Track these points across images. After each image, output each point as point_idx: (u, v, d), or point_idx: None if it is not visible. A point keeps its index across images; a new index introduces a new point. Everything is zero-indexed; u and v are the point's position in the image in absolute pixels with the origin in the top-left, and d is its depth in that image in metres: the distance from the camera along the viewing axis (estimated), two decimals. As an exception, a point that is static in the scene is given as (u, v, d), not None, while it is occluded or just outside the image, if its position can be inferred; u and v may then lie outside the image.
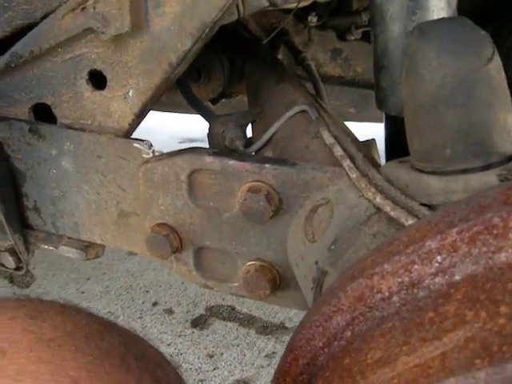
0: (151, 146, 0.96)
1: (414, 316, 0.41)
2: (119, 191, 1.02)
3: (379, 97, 0.96)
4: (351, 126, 1.06)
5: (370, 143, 1.07)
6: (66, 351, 0.49)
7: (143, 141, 0.96)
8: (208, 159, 0.89)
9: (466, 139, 0.64)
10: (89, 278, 2.69)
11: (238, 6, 0.94)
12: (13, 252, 1.15)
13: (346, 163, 0.79)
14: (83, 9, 0.90)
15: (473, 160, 0.65)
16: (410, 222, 0.66)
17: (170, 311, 2.43)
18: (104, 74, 0.96)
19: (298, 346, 0.51)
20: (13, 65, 1.00)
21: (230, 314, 2.39)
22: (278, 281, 0.92)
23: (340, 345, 0.47)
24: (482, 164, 0.65)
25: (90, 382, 0.47)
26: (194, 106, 1.33)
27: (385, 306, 0.44)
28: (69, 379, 0.46)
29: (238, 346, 2.21)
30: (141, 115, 0.98)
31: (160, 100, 1.06)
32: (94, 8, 0.88)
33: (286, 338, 2.21)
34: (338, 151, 0.83)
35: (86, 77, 0.98)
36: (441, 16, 0.87)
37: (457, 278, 0.40)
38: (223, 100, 1.59)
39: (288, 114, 1.01)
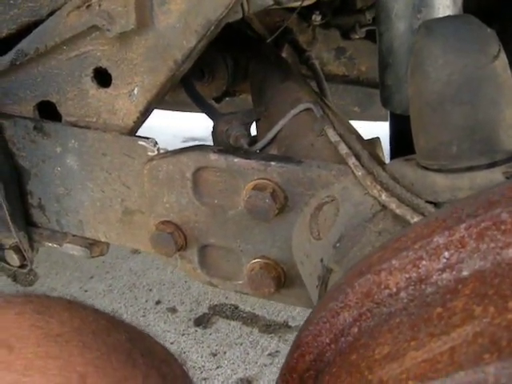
0: (156, 143, 0.96)
1: (422, 311, 0.41)
2: (124, 189, 1.02)
3: (384, 95, 0.96)
4: (355, 124, 1.06)
5: (375, 141, 1.06)
6: (74, 347, 0.49)
7: (148, 138, 0.97)
8: (213, 157, 0.89)
9: (471, 137, 0.64)
10: (92, 277, 2.69)
11: (242, 5, 0.94)
12: (17, 250, 1.15)
13: (352, 161, 0.79)
14: (88, 6, 0.90)
15: (479, 157, 0.65)
16: (416, 219, 0.66)
17: (173, 310, 2.43)
18: (109, 71, 0.96)
19: (304, 342, 0.51)
20: (18, 62, 1.00)
21: (233, 313, 2.39)
22: (282, 278, 0.92)
23: (347, 341, 0.47)
24: (487, 161, 0.65)
25: (97, 377, 0.47)
26: (199, 104, 1.34)
27: (392, 301, 0.44)
28: (76, 374, 0.46)
29: (241, 344, 2.21)
30: (146, 113, 0.98)
31: (164, 98, 1.06)
32: (100, 5, 0.88)
33: (290, 336, 2.21)
34: (343, 149, 0.83)
35: (91, 74, 0.98)
36: (446, 14, 0.87)
37: (465, 273, 0.40)
38: (227, 99, 1.59)
39: (293, 112, 1.01)
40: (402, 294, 0.44)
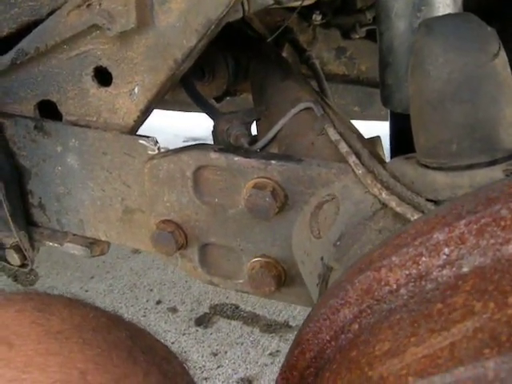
0: (157, 142, 0.96)
1: (422, 308, 0.41)
2: (124, 188, 1.02)
3: (384, 94, 0.96)
4: (356, 124, 1.06)
5: (375, 140, 1.07)
6: (74, 344, 0.49)
7: (149, 137, 0.97)
8: (214, 155, 0.89)
9: (472, 135, 0.64)
10: (93, 277, 2.69)
11: (242, 4, 0.94)
12: (18, 249, 1.15)
13: (352, 159, 0.79)
14: (89, 5, 0.90)
15: (479, 156, 0.65)
16: (416, 217, 0.66)
17: (173, 309, 2.43)
18: (109, 70, 0.96)
19: (305, 340, 0.51)
20: (18, 61, 1.01)
21: (233, 313, 2.39)
22: (283, 277, 0.92)
23: (347, 338, 0.47)
24: (487, 160, 0.65)
25: (98, 374, 0.47)
26: (199, 103, 1.34)
27: (392, 298, 0.44)
28: (76, 371, 0.46)
29: (241, 344, 2.21)
30: (146, 112, 0.98)
31: (164, 98, 1.06)
32: (100, 5, 0.88)
33: (290, 336, 2.21)
34: (343, 147, 0.83)
35: (92, 73, 0.98)
36: (446, 12, 0.87)
37: (465, 269, 0.40)
38: (228, 98, 1.59)
39: (293, 111, 1.01)
40: (402, 291, 0.44)
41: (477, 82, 0.63)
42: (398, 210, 0.68)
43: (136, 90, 0.96)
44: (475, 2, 1.02)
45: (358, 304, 0.47)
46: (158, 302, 2.49)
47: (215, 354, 2.16)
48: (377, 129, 1.44)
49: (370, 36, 1.58)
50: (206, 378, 2.05)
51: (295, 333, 0.53)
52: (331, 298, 0.48)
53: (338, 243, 0.75)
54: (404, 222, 0.68)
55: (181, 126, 4.42)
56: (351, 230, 0.74)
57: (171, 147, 1.00)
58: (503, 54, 0.66)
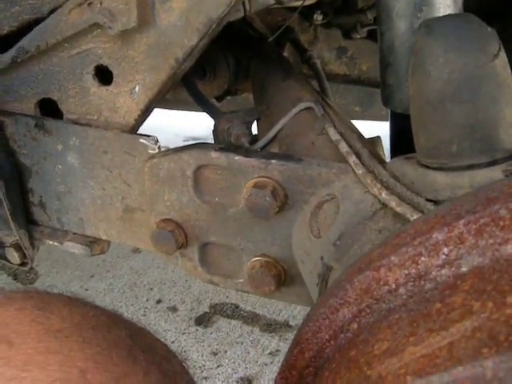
0: (157, 141, 0.96)
1: (421, 307, 0.41)
2: (125, 187, 1.02)
3: (385, 94, 0.96)
4: (356, 124, 1.06)
5: (375, 140, 1.07)
6: (74, 342, 0.49)
7: (149, 136, 0.97)
8: (214, 155, 0.89)
9: (472, 135, 0.64)
10: (93, 276, 2.69)
11: (244, 3, 0.94)
12: (18, 247, 1.15)
13: (352, 159, 0.79)
14: (90, 4, 0.90)
15: (479, 156, 0.65)
16: (416, 217, 0.66)
17: (173, 309, 2.44)
18: (110, 69, 0.97)
19: (304, 339, 0.51)
20: (19, 60, 1.01)
21: (233, 312, 2.39)
22: (283, 277, 0.92)
23: (346, 337, 0.48)
24: (487, 160, 0.65)
25: (98, 372, 0.47)
26: (200, 103, 1.34)
27: (392, 298, 0.44)
28: (76, 370, 0.46)
29: (241, 343, 2.21)
30: (147, 111, 0.98)
31: (165, 97, 1.06)
32: (101, 3, 0.88)
33: (290, 335, 2.21)
34: (343, 147, 0.83)
35: (93, 72, 0.98)
36: (447, 13, 0.87)
37: (463, 269, 0.41)
38: (228, 97, 1.59)
39: (294, 111, 1.01)
40: (401, 290, 0.44)
41: (477, 82, 0.63)
42: (398, 209, 0.69)
43: (137, 88, 0.96)
44: (476, 2, 1.02)
45: (357, 303, 0.47)
46: (158, 301, 2.49)
47: (215, 354, 2.16)
48: (377, 129, 1.44)
49: (371, 36, 1.58)
50: (205, 378, 2.05)
51: (295, 332, 0.53)
52: (330, 298, 0.49)
53: (338, 243, 0.75)
54: (404, 222, 0.68)
55: (181, 126, 4.43)
56: (351, 230, 0.74)
57: (172, 146, 1.00)
58: (503, 55, 0.66)
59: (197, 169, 0.91)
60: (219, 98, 1.55)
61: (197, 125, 3.60)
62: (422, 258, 0.42)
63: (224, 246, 0.97)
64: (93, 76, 0.99)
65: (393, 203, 0.69)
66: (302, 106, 1.01)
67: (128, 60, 0.94)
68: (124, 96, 0.97)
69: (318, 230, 0.81)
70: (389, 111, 1.11)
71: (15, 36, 1.00)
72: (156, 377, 0.52)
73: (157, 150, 0.96)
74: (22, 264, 1.19)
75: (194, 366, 2.08)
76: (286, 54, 1.59)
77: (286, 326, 2.29)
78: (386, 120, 1.28)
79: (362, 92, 1.84)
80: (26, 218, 1.15)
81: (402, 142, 0.91)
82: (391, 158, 1.06)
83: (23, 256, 1.17)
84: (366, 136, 1.00)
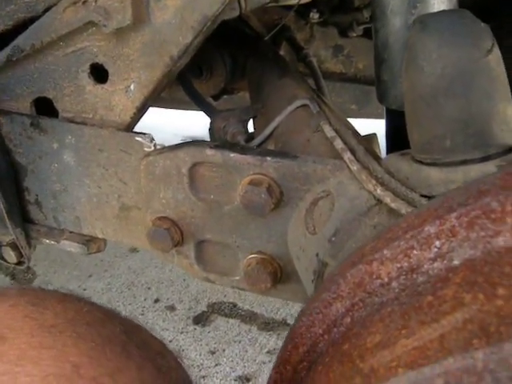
0: (153, 139, 0.96)
1: (413, 300, 0.41)
2: (121, 185, 1.02)
3: (380, 90, 0.96)
4: (353, 122, 1.06)
5: (371, 137, 1.07)
6: (68, 337, 0.49)
7: (145, 134, 0.97)
8: (209, 152, 0.89)
9: (465, 130, 0.64)
10: (91, 275, 2.69)
11: (239, 2, 0.94)
12: (14, 246, 1.15)
13: (347, 156, 0.80)
14: (85, 2, 0.90)
15: (472, 151, 0.65)
16: (410, 212, 0.66)
17: (171, 308, 2.44)
18: (105, 67, 0.97)
19: (298, 334, 0.51)
20: (14, 58, 1.01)
21: (231, 311, 2.39)
22: (279, 274, 0.92)
23: (340, 331, 0.48)
24: (481, 155, 0.65)
25: (91, 367, 0.47)
26: (196, 101, 1.34)
27: (384, 291, 0.44)
28: (70, 365, 0.46)
29: (239, 342, 2.22)
30: (142, 109, 0.98)
31: (162, 96, 1.06)
32: (96, 1, 0.89)
33: (288, 334, 2.21)
34: (338, 144, 0.83)
35: (88, 70, 0.98)
36: (441, 9, 0.87)
37: (455, 262, 0.41)
38: (225, 96, 1.59)
39: (289, 109, 1.01)
40: (394, 284, 0.44)
41: (470, 77, 0.63)
42: (393, 205, 0.69)
43: (132, 86, 0.96)
44: (471, 0, 1.02)
45: (350, 297, 0.47)
46: (156, 301, 2.50)
47: (213, 352, 2.17)
48: (374, 127, 1.44)
49: (367, 34, 1.58)
50: (203, 376, 2.05)
51: (291, 329, 0.53)
52: (324, 292, 0.49)
53: (333, 239, 0.75)
54: (399, 218, 0.68)
55: (179, 125, 4.42)
56: (346, 226, 0.74)
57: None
58: (497, 51, 0.66)
59: (192, 166, 0.91)
60: (216, 97, 1.55)
61: (195, 124, 3.60)
62: (414, 252, 0.43)
63: (220, 244, 0.97)
64: (88, 74, 0.99)
65: (387, 199, 0.70)
66: (297, 103, 1.01)
67: (123, 58, 0.94)
68: (119, 94, 0.97)
69: (314, 226, 0.81)
70: (384, 109, 1.11)
71: (10, 35, 1.00)
72: (150, 372, 0.52)
73: (152, 148, 0.96)
74: (19, 263, 1.19)
75: (192, 365, 2.08)
76: (282, 52, 1.59)
77: (284, 324, 2.29)
78: (383, 118, 1.28)
79: (358, 90, 1.84)
80: (22, 216, 1.15)
81: (398, 139, 0.91)
82: (387, 154, 1.06)
83: (20, 255, 1.17)
84: (363, 134, 1.01)
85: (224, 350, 2.18)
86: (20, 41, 0.99)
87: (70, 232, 1.14)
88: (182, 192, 0.94)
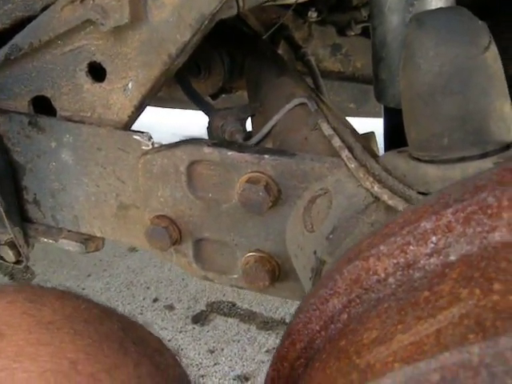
0: (151, 137, 0.96)
1: (410, 296, 0.41)
2: (119, 183, 1.02)
3: (378, 89, 0.96)
4: (351, 121, 1.06)
5: (369, 136, 1.07)
6: (65, 334, 0.49)
7: (143, 133, 0.97)
8: (207, 150, 0.89)
9: (463, 127, 0.65)
10: (89, 275, 2.69)
11: (237, 0, 0.94)
12: (12, 245, 1.15)
13: (345, 153, 0.80)
14: (82, 0, 0.90)
15: (470, 148, 0.65)
16: (407, 209, 0.66)
17: (170, 307, 2.44)
18: (103, 66, 0.96)
19: (295, 330, 0.51)
20: (12, 57, 1.01)
21: (230, 310, 2.40)
22: (277, 272, 0.93)
23: (337, 327, 0.48)
24: (479, 152, 0.65)
25: (88, 363, 0.47)
26: (194, 100, 1.34)
27: (381, 287, 0.44)
28: (67, 361, 0.46)
29: (238, 341, 2.22)
30: (140, 107, 0.98)
31: (161, 96, 1.06)
32: (93, 0, 0.89)
33: (287, 333, 2.21)
34: (336, 142, 0.83)
35: (86, 69, 0.98)
36: (438, 7, 0.87)
37: (452, 258, 0.41)
38: (223, 96, 1.59)
39: (287, 107, 1.01)
40: (391, 280, 0.44)
41: (467, 74, 0.64)
42: (390, 203, 0.69)
43: (130, 85, 0.96)
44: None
45: (346, 294, 0.47)
46: (155, 300, 2.50)
47: (212, 352, 2.17)
48: (372, 126, 1.44)
49: (365, 33, 1.59)
50: (202, 376, 2.05)
51: (290, 327, 0.53)
52: (321, 289, 0.49)
53: (331, 237, 0.75)
54: (396, 215, 0.68)
55: (178, 125, 4.42)
56: (344, 224, 0.74)
57: (166, 144, 1.00)
58: (494, 48, 0.66)
59: (190, 164, 0.91)
60: (214, 96, 1.55)
61: (193, 123, 3.60)
62: (411, 247, 0.43)
63: (218, 242, 0.97)
64: (86, 73, 0.99)
65: (385, 196, 0.70)
66: (295, 101, 1.01)
67: (121, 56, 0.94)
68: (117, 93, 0.97)
69: (312, 224, 0.81)
70: (382, 107, 1.11)
71: (8, 33, 1.00)
72: (147, 369, 0.52)
73: (150, 147, 0.96)
74: (17, 262, 1.19)
75: (191, 364, 2.09)
76: (280, 51, 1.59)
77: (283, 323, 2.29)
78: (381, 117, 1.28)
79: (356, 89, 1.84)
80: (20, 215, 1.15)
81: (396, 137, 0.91)
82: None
83: (18, 254, 1.17)
84: (361, 132, 1.01)
85: (223, 350, 2.18)
86: (18, 39, 0.99)
87: (69, 231, 1.14)
88: (179, 190, 0.94)
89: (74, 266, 2.74)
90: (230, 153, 0.88)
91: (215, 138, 1.13)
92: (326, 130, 0.87)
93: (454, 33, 0.65)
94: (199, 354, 2.15)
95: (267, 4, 1.00)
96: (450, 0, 0.88)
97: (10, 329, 0.48)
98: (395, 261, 0.43)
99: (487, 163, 0.64)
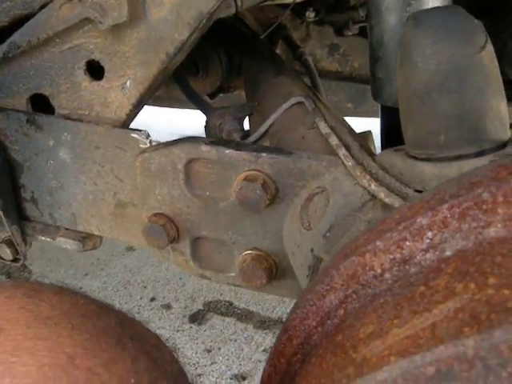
0: (148, 135, 0.97)
1: (406, 291, 0.41)
2: (116, 181, 1.02)
3: (375, 88, 0.97)
4: (348, 120, 1.06)
5: (366, 135, 1.07)
6: (63, 329, 0.49)
7: (141, 131, 0.97)
8: (205, 148, 0.90)
9: (459, 126, 0.65)
10: (87, 274, 2.69)
11: (235, 0, 0.94)
12: (10, 243, 1.15)
13: (342, 152, 0.80)
14: (81, -1, 0.90)
15: (466, 146, 0.65)
16: (404, 207, 0.66)
17: (167, 306, 2.44)
18: (102, 64, 0.97)
19: (292, 326, 0.51)
20: (11, 55, 1.01)
21: (227, 309, 2.40)
22: (274, 270, 0.93)
23: (333, 323, 0.48)
24: (475, 150, 0.66)
25: (86, 358, 0.47)
26: (192, 99, 1.34)
27: (377, 283, 0.45)
28: (65, 355, 0.46)
29: (235, 340, 2.22)
30: (138, 106, 0.98)
31: (159, 95, 1.06)
32: (92, -2, 0.89)
33: (284, 333, 2.21)
34: (333, 140, 0.83)
35: (84, 67, 0.98)
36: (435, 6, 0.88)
37: (447, 253, 0.41)
38: (221, 95, 1.60)
39: (285, 106, 1.01)
40: (387, 275, 0.44)
41: (464, 72, 0.64)
42: (387, 200, 0.69)
43: (128, 83, 0.96)
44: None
45: (343, 289, 0.47)
46: (152, 299, 2.50)
47: (209, 351, 2.17)
48: (370, 126, 1.45)
49: (363, 33, 1.59)
50: (199, 375, 2.05)
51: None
52: (317, 284, 0.49)
53: (328, 234, 0.75)
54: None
55: (176, 124, 4.42)
56: (341, 222, 0.75)
57: (163, 143, 1.00)
58: (490, 47, 0.66)
59: (187, 162, 0.91)
60: (212, 95, 1.56)
61: (191, 123, 3.60)
62: (407, 243, 0.43)
63: (215, 240, 0.97)
64: (84, 71, 0.99)
65: (382, 194, 0.70)
66: (293, 100, 1.01)
67: (119, 55, 0.95)
68: (115, 91, 0.97)
69: (309, 222, 0.82)
70: (379, 106, 1.12)
71: (6, 31, 1.00)
72: (145, 364, 0.52)
73: (148, 145, 0.96)
74: (15, 260, 1.19)
75: (188, 363, 2.09)
76: (278, 51, 1.60)
77: (280, 323, 2.29)
78: (378, 116, 1.28)
79: (353, 89, 1.85)
80: (18, 213, 1.15)
81: (393, 136, 0.91)
82: (382, 152, 1.06)
83: (15, 252, 1.17)
84: (358, 132, 1.01)
85: (220, 349, 2.18)
86: (16, 37, 0.99)
87: (66, 229, 1.14)
88: (177, 188, 0.94)
89: (71, 264, 2.74)
90: (227, 151, 0.88)
91: (213, 136, 1.13)
92: (323, 128, 0.88)
93: (451, 32, 0.65)
94: (196, 353, 2.16)
95: (265, 3, 1.00)
96: (447, 0, 0.89)
97: (9, 323, 0.48)
98: (391, 256, 0.44)
99: (483, 161, 0.64)
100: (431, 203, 0.42)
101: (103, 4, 0.87)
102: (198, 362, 2.11)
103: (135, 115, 1.01)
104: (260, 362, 2.10)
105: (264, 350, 2.15)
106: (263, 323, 2.30)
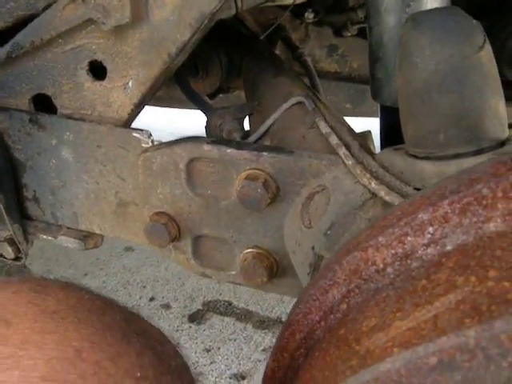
0: (150, 135, 0.97)
1: (408, 285, 0.42)
2: (118, 181, 1.03)
3: (374, 88, 0.98)
4: (347, 121, 1.07)
5: (366, 134, 1.08)
6: (70, 323, 0.50)
7: (142, 130, 0.98)
8: (206, 147, 0.90)
9: (458, 125, 0.66)
10: (86, 274, 2.70)
11: (236, 1, 0.95)
12: (12, 242, 1.16)
13: (342, 151, 0.81)
14: (84, 0, 0.91)
15: (465, 145, 0.66)
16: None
17: (167, 306, 2.44)
18: (104, 64, 0.97)
19: (295, 321, 0.52)
20: (14, 55, 1.01)
21: (226, 309, 2.40)
22: (275, 268, 0.93)
23: (336, 317, 0.49)
24: (474, 149, 0.66)
25: (93, 352, 0.48)
26: (192, 99, 1.35)
27: (379, 277, 0.46)
28: (72, 349, 0.47)
29: (234, 340, 2.23)
30: (140, 105, 0.99)
31: (160, 95, 1.07)
32: (95, -1, 0.90)
33: (283, 332, 2.22)
34: (333, 140, 0.84)
35: (87, 67, 0.99)
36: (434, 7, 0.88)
37: (448, 247, 0.42)
38: (221, 95, 1.60)
39: (285, 106, 1.02)
40: (389, 270, 0.45)
41: (463, 72, 0.65)
42: (387, 198, 0.70)
43: (130, 83, 0.97)
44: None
45: (346, 284, 0.48)
46: (152, 299, 2.50)
47: (208, 350, 2.17)
48: (369, 126, 1.45)
49: (362, 34, 1.60)
50: (199, 374, 2.05)
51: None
52: (320, 279, 0.50)
53: (329, 232, 0.76)
54: (393, 210, 0.69)
55: (177, 124, 4.43)
56: (341, 220, 0.75)
57: (165, 143, 1.01)
58: (488, 47, 0.67)
59: (189, 162, 0.92)
60: (212, 96, 1.56)
61: (192, 123, 3.61)
62: (409, 238, 0.44)
63: (217, 239, 0.98)
64: (87, 71, 1.00)
65: (382, 192, 0.71)
66: (293, 100, 1.02)
67: (122, 55, 0.95)
68: (118, 91, 0.98)
69: (310, 220, 0.82)
70: (378, 106, 1.12)
71: (10, 32, 1.01)
72: (149, 358, 0.53)
73: (150, 144, 0.97)
74: (16, 259, 1.20)
75: (188, 363, 2.09)
76: (277, 51, 1.60)
77: (279, 322, 2.30)
78: (377, 116, 1.29)
79: (352, 89, 1.86)
80: (20, 212, 1.15)
81: (392, 136, 0.92)
82: (381, 152, 1.07)
83: (17, 251, 1.18)
84: (357, 131, 1.02)
85: (219, 348, 2.18)
86: (20, 38, 1.00)
87: (68, 228, 1.15)
88: (179, 187, 0.95)
89: (70, 264, 2.74)
90: (228, 150, 0.89)
91: (213, 136, 1.13)
92: (324, 128, 0.88)
93: (449, 32, 0.66)
94: (195, 353, 2.16)
95: (265, 5, 1.01)
96: (445, 0, 0.89)
97: (16, 317, 0.49)
98: (393, 251, 0.45)
99: (482, 160, 0.65)
100: (432, 199, 0.43)
101: (106, 5, 0.88)
102: (197, 362, 2.12)
103: (137, 115, 1.02)
104: (259, 361, 2.10)
105: (263, 350, 2.16)
106: (262, 323, 2.31)
